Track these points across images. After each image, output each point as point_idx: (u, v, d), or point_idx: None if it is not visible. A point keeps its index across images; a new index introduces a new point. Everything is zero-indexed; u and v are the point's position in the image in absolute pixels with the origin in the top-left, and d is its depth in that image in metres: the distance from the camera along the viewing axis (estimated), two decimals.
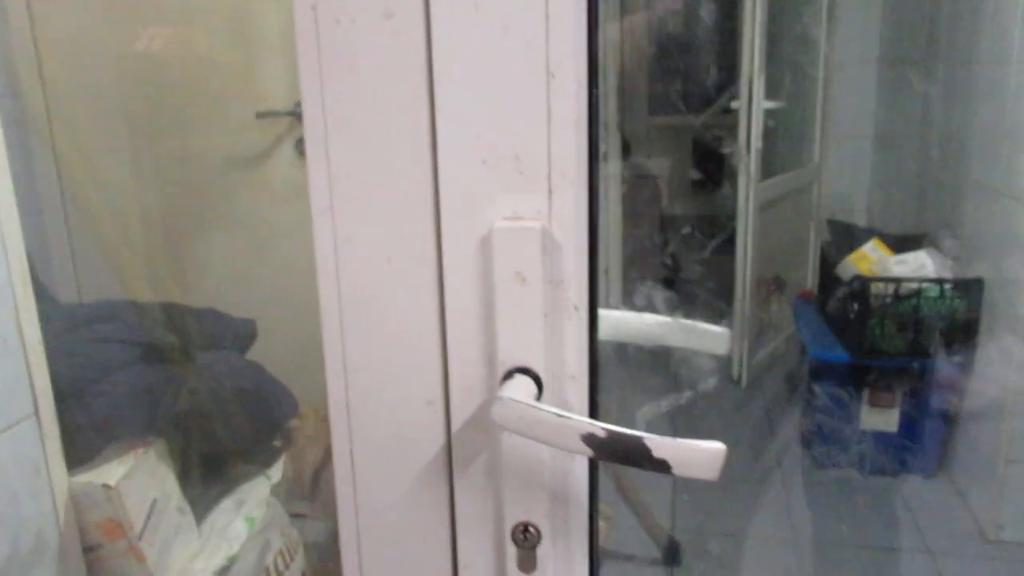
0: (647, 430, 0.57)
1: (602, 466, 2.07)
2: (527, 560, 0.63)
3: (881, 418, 2.77)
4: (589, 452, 0.55)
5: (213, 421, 1.41)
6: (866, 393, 2.77)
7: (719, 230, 3.60)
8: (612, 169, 4.37)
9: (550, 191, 0.58)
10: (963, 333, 2.62)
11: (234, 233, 2.22)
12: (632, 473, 2.30)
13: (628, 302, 4.45)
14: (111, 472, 1.21)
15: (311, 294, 0.63)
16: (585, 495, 0.63)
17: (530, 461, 0.61)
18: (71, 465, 1.22)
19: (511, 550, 0.63)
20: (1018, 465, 2.38)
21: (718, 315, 4.25)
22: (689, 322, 0.69)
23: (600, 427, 0.55)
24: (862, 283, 2.71)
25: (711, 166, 5.71)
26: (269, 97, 2.25)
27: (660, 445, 0.54)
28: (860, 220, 3.92)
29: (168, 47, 2.22)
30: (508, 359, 0.60)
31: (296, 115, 2.23)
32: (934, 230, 3.07)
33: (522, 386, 0.59)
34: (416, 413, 0.63)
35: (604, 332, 0.72)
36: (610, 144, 4.31)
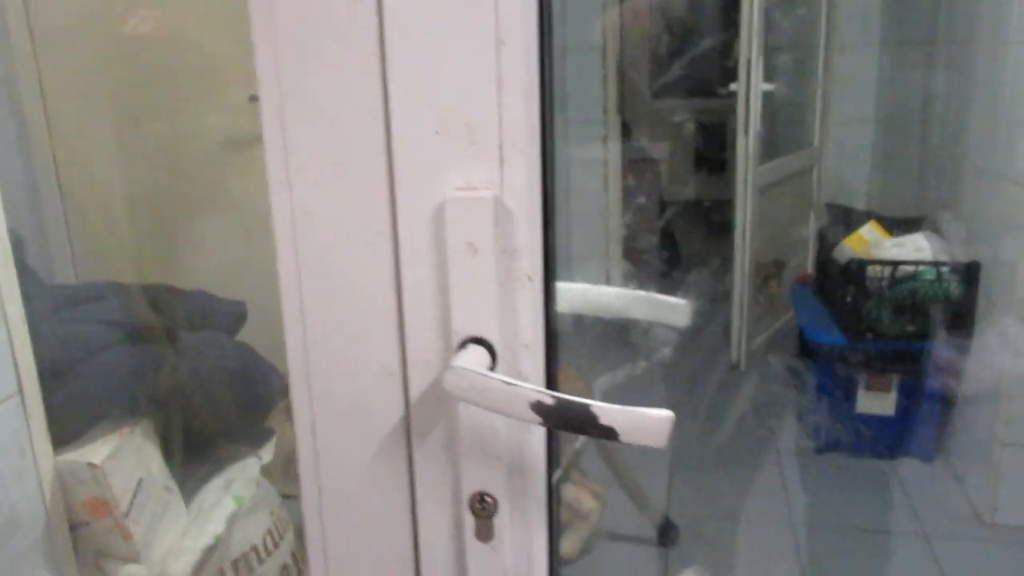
0: (603, 399, 0.57)
1: (593, 446, 2.07)
2: (484, 529, 0.63)
3: (878, 402, 2.77)
4: (538, 420, 0.55)
5: (201, 401, 1.41)
6: (863, 377, 2.76)
7: (719, 214, 3.59)
8: (612, 152, 4.36)
9: (502, 161, 0.58)
10: (960, 316, 2.61)
11: (227, 216, 2.23)
12: (623, 454, 2.30)
13: (626, 284, 4.44)
14: (97, 451, 1.22)
15: None
16: (542, 465, 0.63)
17: (486, 431, 0.62)
18: (57, 444, 1.23)
19: (468, 519, 0.63)
20: (1014, 448, 2.38)
21: (717, 298, 4.25)
22: (650, 294, 0.69)
23: (548, 395, 0.55)
24: (859, 266, 2.70)
25: (712, 150, 5.70)
26: None
27: (607, 412, 0.54)
28: (861, 203, 3.90)
29: (162, 29, 2.22)
30: (462, 329, 0.60)
31: None
32: (933, 213, 3.05)
33: (475, 356, 0.59)
34: (375, 383, 0.64)
35: (565, 304, 0.72)
36: (610, 127, 4.29)
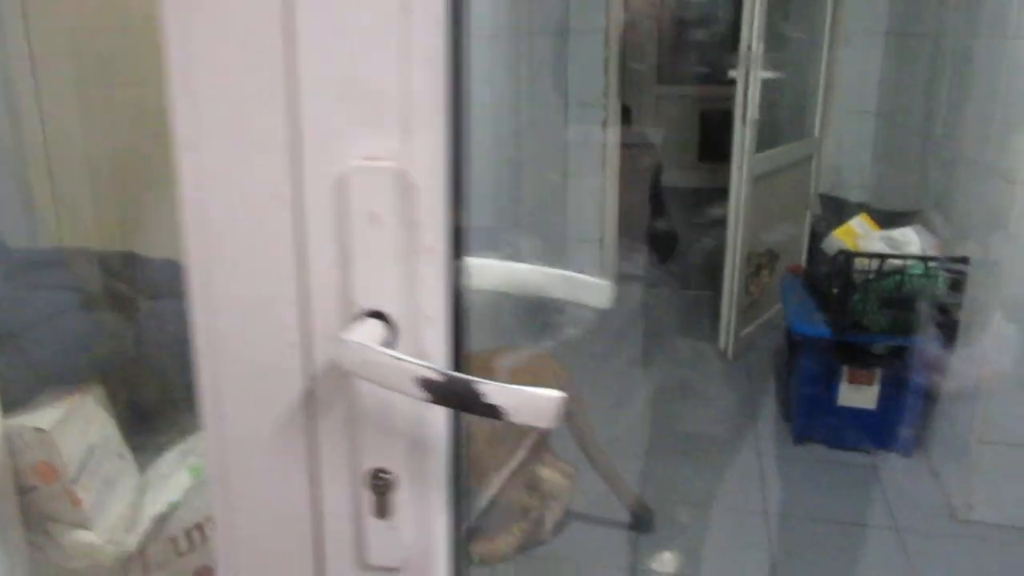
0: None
1: (565, 428, 2.05)
2: (382, 506, 0.62)
3: (860, 395, 2.76)
4: (425, 396, 0.54)
5: (160, 370, 1.41)
6: (845, 370, 2.75)
7: (717, 202, 3.56)
8: (611, 136, 4.32)
9: (407, 131, 0.57)
10: (946, 312, 2.59)
11: None
12: (594, 435, 2.30)
13: (619, 269, 4.43)
14: (45, 417, 1.22)
15: None
16: (443, 443, 0.62)
17: (384, 406, 0.61)
18: (7, 409, 1.22)
19: (367, 495, 0.63)
20: (991, 446, 2.37)
21: (707, 287, 4.23)
22: (571, 274, 0.68)
23: (435, 370, 0.54)
24: (846, 258, 2.68)
25: (713, 137, 5.66)
26: None
27: (494, 391, 0.53)
28: (859, 196, 3.87)
29: None
30: (363, 302, 0.59)
31: None
32: (928, 208, 3.02)
33: (370, 329, 0.58)
34: (278, 354, 0.63)
35: (484, 281, 0.71)
36: (610, 111, 4.26)
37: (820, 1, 3.74)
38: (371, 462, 0.62)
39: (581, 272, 0.70)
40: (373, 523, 0.63)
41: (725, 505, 2.57)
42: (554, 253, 4.32)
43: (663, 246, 4.79)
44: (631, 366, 3.51)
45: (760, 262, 3.67)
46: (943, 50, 3.03)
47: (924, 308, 2.61)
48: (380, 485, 0.62)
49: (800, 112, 3.97)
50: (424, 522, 0.64)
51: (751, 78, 3.28)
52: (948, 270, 2.61)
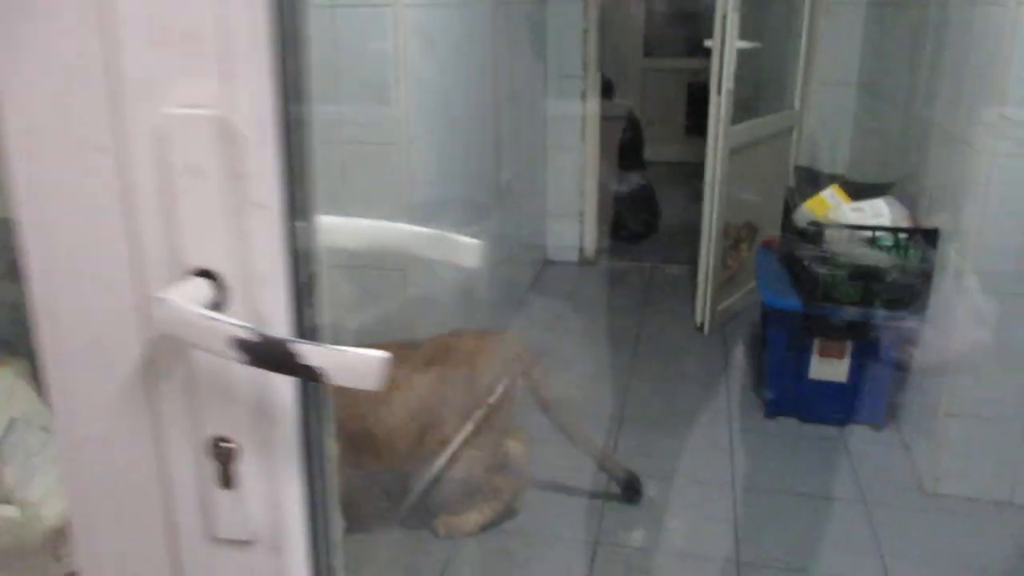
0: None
1: (532, 401, 2.01)
2: (226, 476, 0.59)
3: (830, 368, 2.73)
4: (241, 357, 0.51)
5: None
6: (816, 343, 2.72)
7: (699, 175, 3.51)
8: (591, 109, 4.27)
9: (228, 76, 0.53)
10: (916, 284, 2.56)
11: None
12: (559, 405, 2.27)
13: (598, 244, 4.39)
14: None
15: None
16: (290, 411, 0.59)
17: (221, 372, 0.57)
18: None
19: (211, 465, 0.60)
20: (957, 419, 2.34)
21: (686, 261, 4.20)
22: (441, 232, 0.65)
23: (251, 331, 0.51)
24: (816, 229, 2.64)
25: (695, 109, 5.59)
26: None
27: (311, 352, 0.50)
28: (839, 168, 3.82)
29: None
30: (190, 260, 0.56)
31: None
32: (903, 179, 2.98)
33: (195, 288, 0.54)
34: (114, 318, 0.59)
35: (346, 240, 0.67)
36: (589, 83, 4.20)
37: None
38: (211, 430, 0.59)
39: (452, 233, 0.66)
40: (220, 494, 0.60)
41: (694, 478, 2.55)
42: (534, 227, 4.28)
43: (644, 221, 4.75)
44: (606, 341, 3.48)
45: (739, 236, 3.64)
46: (925, 19, 2.97)
47: (894, 280, 2.58)
48: (222, 454, 0.59)
49: (780, 84, 3.91)
50: (272, 494, 0.61)
51: (726, 48, 3.22)
52: (918, 242, 2.58)
